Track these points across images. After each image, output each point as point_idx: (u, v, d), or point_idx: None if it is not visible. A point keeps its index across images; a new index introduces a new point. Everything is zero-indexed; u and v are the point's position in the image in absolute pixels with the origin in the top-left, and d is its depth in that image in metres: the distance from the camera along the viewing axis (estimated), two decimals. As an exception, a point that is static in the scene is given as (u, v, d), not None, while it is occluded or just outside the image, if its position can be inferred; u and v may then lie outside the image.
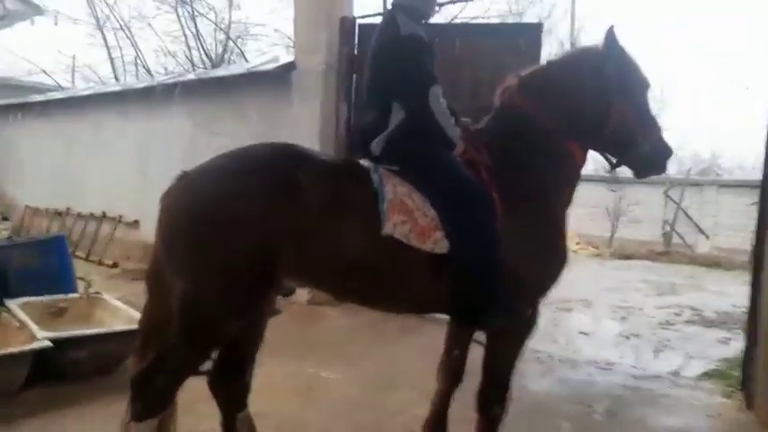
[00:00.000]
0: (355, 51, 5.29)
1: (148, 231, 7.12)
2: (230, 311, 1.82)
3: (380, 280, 1.94)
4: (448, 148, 2.09)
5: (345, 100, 5.33)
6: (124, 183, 7.33)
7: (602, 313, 6.04)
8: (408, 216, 1.90)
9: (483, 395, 2.13)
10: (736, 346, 4.88)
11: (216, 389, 2.12)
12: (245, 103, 5.90)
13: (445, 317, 4.35)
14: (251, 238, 1.77)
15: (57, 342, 2.89)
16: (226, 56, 12.21)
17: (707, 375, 3.87)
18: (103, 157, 7.70)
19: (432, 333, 4.33)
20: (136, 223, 7.25)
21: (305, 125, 5.13)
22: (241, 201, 1.77)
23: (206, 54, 12.00)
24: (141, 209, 7.11)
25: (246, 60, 11.59)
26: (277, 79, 5.47)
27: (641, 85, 2.21)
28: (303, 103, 5.19)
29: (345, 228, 1.86)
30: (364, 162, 2.07)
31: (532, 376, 3.62)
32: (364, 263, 1.89)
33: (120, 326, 3.41)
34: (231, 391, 2.12)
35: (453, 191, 1.97)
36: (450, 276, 1.94)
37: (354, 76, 5.29)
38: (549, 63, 2.29)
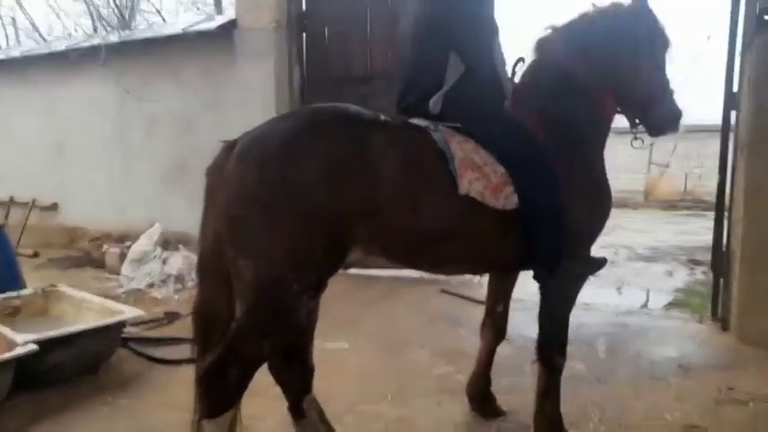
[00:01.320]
0: (303, 8, 5.00)
1: (71, 215, 6.49)
2: (304, 288, 1.67)
3: (457, 244, 1.88)
4: (502, 102, 2.03)
5: (298, 62, 5.05)
6: (34, 161, 6.53)
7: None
8: (480, 173, 1.84)
9: (545, 348, 2.15)
10: (681, 276, 5.40)
11: (280, 374, 1.98)
12: (180, 66, 5.41)
13: (436, 277, 4.42)
14: (326, 207, 1.63)
15: (41, 344, 2.54)
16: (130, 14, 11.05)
17: (672, 305, 4.23)
18: (3, 134, 6.78)
19: (418, 293, 4.40)
20: (54, 206, 6.53)
21: (255, 89, 4.81)
22: (315, 166, 1.62)
23: (118, 11, 10.76)
24: (60, 190, 6.41)
25: (164, 19, 10.64)
26: (216, 39, 5.05)
27: (665, 46, 2.27)
28: (251, 65, 4.84)
29: (421, 193, 1.76)
30: (420, 122, 1.96)
31: (525, 324, 3.74)
32: (442, 228, 1.81)
33: (92, 319, 3.08)
34: (296, 375, 1.99)
35: (521, 145, 1.93)
36: (519, 232, 1.91)
37: (305, 35, 5.02)
38: (585, 18, 2.26)
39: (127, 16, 10.77)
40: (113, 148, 5.92)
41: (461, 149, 1.85)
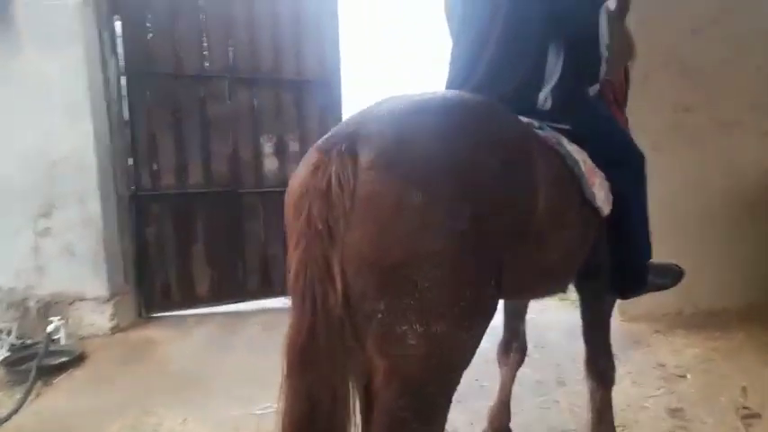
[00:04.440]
0: (114, -18, 3.89)
1: None
2: (474, 348, 1.17)
3: (575, 261, 1.54)
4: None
5: (112, 53, 3.92)
6: None
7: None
8: (599, 179, 1.54)
9: (597, 365, 1.95)
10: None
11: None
12: None
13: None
14: (504, 232, 1.14)
15: None
16: None
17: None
18: None
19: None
20: None
21: (52, 85, 3.56)
22: (500, 182, 1.13)
23: None
24: None
25: None
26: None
27: None
28: (44, 53, 3.56)
29: (566, 205, 1.40)
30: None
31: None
32: (576, 245, 1.47)
33: None
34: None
35: (622, 146, 1.69)
36: (607, 243, 1.67)
37: (118, 18, 3.92)
38: None
39: None
40: None
41: (577, 151, 1.52)
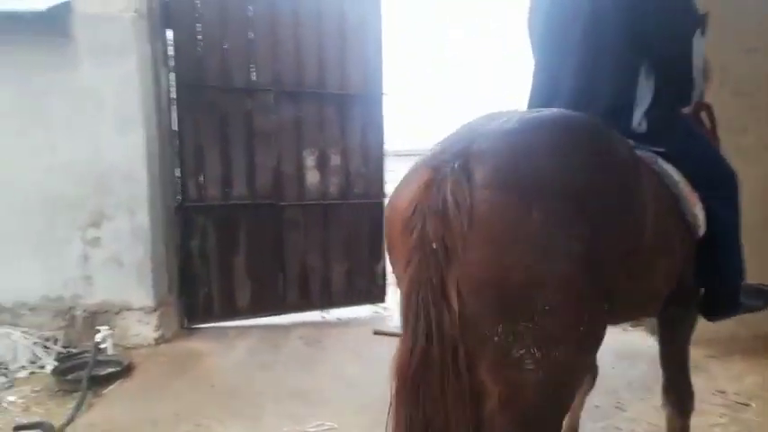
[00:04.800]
0: (167, -3, 3.96)
1: None
2: (584, 374, 1.14)
3: (672, 284, 1.50)
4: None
5: (164, 65, 3.98)
6: None
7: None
8: (697, 200, 1.50)
9: (676, 393, 1.89)
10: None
11: None
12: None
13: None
14: (616, 244, 1.12)
15: None
16: None
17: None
18: None
19: (351, 340, 3.77)
20: None
21: (105, 96, 3.61)
22: (612, 200, 1.12)
23: None
24: None
25: None
26: (42, 27, 3.66)
27: None
28: (99, 65, 3.62)
29: (670, 225, 1.36)
30: None
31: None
32: (675, 266, 1.43)
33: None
34: None
35: (716, 167, 1.64)
36: (700, 265, 1.62)
37: (172, 31, 3.99)
38: None
39: None
40: None
41: (674, 172, 1.48)
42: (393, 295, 4.90)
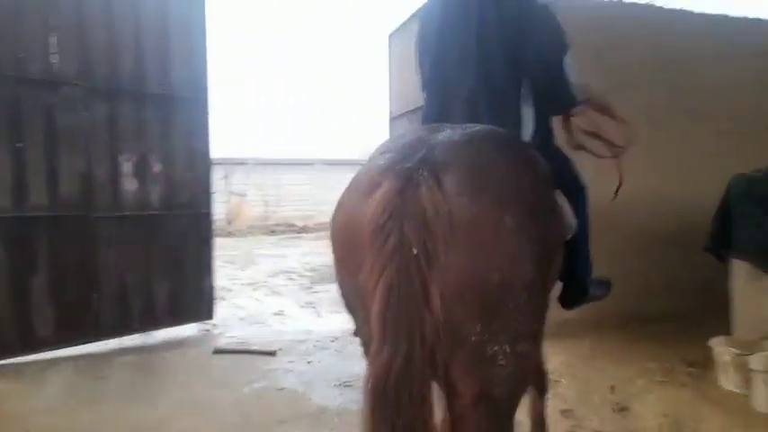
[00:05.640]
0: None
1: None
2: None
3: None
4: None
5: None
6: None
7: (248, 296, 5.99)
8: (568, 208, 1.74)
9: (536, 375, 2.17)
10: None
11: None
12: None
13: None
14: (554, 246, 1.34)
15: None
16: None
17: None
18: None
19: (191, 361, 3.49)
20: None
21: None
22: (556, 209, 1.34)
23: None
24: None
25: None
26: None
27: None
28: None
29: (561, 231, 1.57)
30: None
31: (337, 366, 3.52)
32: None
33: None
34: None
35: (576, 179, 1.90)
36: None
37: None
38: None
39: None
40: None
41: None
42: (222, 310, 4.64)
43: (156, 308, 4.06)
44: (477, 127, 1.33)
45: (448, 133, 1.24)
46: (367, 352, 1.30)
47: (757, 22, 4.95)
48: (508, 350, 1.10)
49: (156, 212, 4.07)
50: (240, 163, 15.77)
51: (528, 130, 1.75)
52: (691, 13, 4.71)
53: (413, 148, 1.19)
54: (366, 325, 1.14)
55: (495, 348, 1.10)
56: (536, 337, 1.19)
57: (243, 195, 16.53)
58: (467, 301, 1.07)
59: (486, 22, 1.74)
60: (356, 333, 1.36)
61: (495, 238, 1.08)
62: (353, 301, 1.25)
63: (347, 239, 1.20)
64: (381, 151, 1.28)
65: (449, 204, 1.07)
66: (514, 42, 1.73)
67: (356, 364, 3.50)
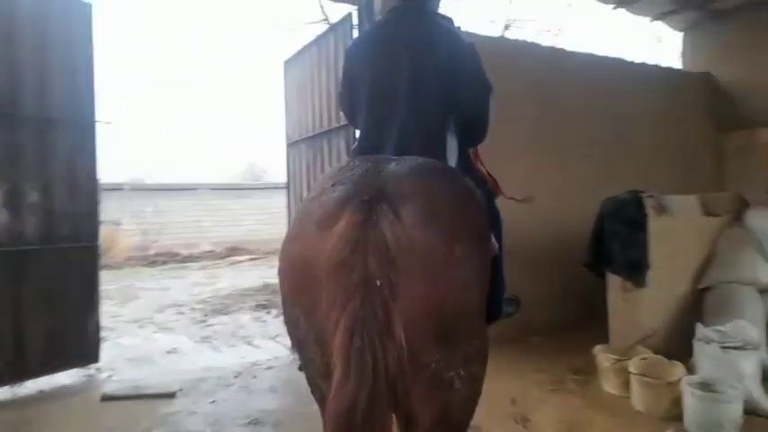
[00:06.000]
0: None
1: None
2: None
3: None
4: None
5: None
6: None
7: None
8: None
9: None
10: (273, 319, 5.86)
11: None
12: None
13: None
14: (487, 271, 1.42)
15: None
16: None
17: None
18: None
19: (77, 410, 3.13)
20: None
21: None
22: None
23: None
24: None
25: None
26: None
27: None
28: None
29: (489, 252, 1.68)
30: None
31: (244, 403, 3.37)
32: None
33: None
34: None
35: (492, 210, 2.01)
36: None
37: None
38: None
39: None
40: None
41: None
42: (106, 352, 4.26)
43: (28, 355, 3.62)
44: (420, 159, 1.40)
45: (395, 166, 1.30)
46: (317, 385, 1.29)
47: (619, 60, 5.64)
48: (462, 373, 1.17)
49: (32, 247, 3.67)
50: (115, 189, 14.67)
51: (453, 160, 1.86)
52: (563, 51, 5.25)
53: (365, 181, 1.22)
54: (323, 358, 1.14)
55: (452, 374, 1.16)
56: (485, 358, 1.27)
57: (117, 224, 15.37)
58: (427, 330, 1.12)
59: (420, 57, 1.83)
60: (303, 368, 1.35)
61: (449, 267, 1.14)
62: (305, 335, 1.24)
63: (301, 273, 1.20)
64: (331, 182, 1.30)
65: (408, 237, 1.11)
66: (447, 79, 1.84)
67: (264, 400, 3.39)
